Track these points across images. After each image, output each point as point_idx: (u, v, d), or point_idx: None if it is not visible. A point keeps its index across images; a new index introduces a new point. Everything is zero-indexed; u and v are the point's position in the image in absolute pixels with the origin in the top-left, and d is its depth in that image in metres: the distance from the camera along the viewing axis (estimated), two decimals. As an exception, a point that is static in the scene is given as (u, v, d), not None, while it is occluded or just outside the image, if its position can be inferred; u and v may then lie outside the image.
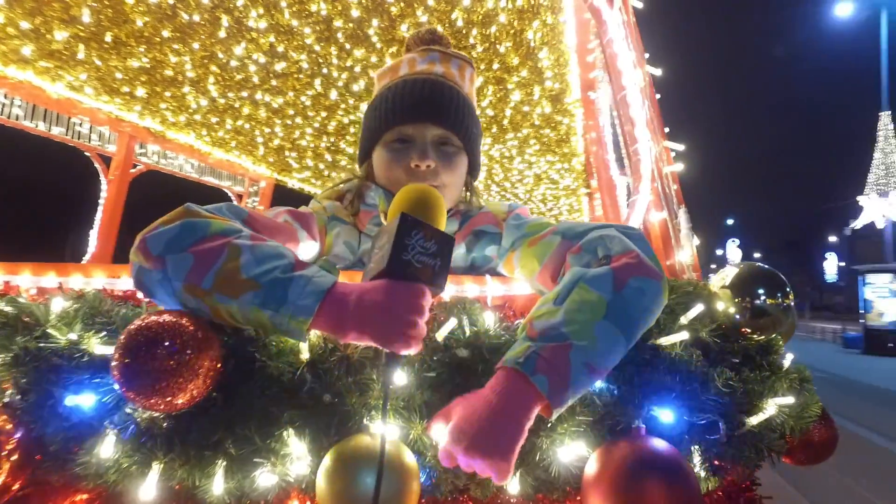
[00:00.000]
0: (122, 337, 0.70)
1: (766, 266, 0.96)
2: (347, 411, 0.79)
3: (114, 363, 0.69)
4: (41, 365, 0.78)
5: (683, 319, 0.91)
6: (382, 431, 0.71)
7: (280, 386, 0.79)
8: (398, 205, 0.82)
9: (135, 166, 4.05)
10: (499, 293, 0.99)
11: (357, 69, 3.52)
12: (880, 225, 24.00)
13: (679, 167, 1.78)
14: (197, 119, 3.89)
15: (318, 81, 3.64)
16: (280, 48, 3.19)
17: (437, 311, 0.89)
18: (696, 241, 1.87)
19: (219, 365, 0.74)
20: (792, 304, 0.93)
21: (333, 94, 3.83)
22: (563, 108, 3.62)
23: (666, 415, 0.84)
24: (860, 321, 18.12)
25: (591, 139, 2.84)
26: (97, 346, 0.79)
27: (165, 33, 2.93)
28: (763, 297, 0.92)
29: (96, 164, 3.82)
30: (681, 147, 1.79)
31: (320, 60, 3.37)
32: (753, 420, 0.91)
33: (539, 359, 0.72)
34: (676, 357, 0.87)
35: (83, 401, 0.77)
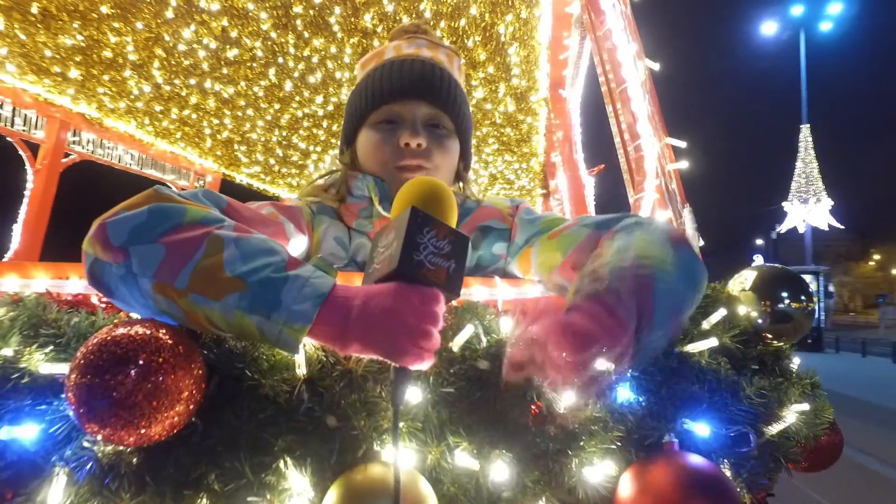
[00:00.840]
0: (82, 353, 0.56)
1: (788, 268, 0.92)
2: (354, 436, 0.67)
3: (70, 386, 0.55)
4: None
5: (706, 324, 0.86)
6: (395, 459, 0.61)
7: (274, 408, 0.67)
8: (405, 198, 0.72)
9: (67, 155, 3.70)
10: (510, 296, 0.91)
11: (315, 59, 3.36)
12: (801, 229, 25.76)
13: (683, 165, 1.76)
14: (139, 107, 3.61)
15: (272, 71, 3.45)
16: (233, 33, 2.99)
17: (448, 317, 0.79)
18: (701, 241, 1.86)
19: (202, 385, 0.61)
20: (814, 307, 0.89)
21: (288, 86, 3.65)
22: (528, 106, 3.59)
23: (697, 428, 0.78)
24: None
25: (558, 138, 2.81)
26: (42, 364, 0.64)
27: (104, 9, 2.67)
28: (787, 301, 0.88)
29: (21, 152, 3.45)
30: (683, 144, 1.77)
31: (276, 49, 3.19)
32: (773, 429, 0.87)
33: (621, 283, 0.65)
34: (705, 365, 0.81)
35: (24, 433, 0.62)
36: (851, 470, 5.60)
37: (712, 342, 0.81)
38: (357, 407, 0.70)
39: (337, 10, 2.76)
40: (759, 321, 0.90)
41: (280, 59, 3.31)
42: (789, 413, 0.89)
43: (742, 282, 0.93)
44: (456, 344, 0.75)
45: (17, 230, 3.41)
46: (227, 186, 5.00)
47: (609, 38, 1.62)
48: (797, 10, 28.90)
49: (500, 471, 0.70)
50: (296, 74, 3.50)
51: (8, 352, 0.65)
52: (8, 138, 3.39)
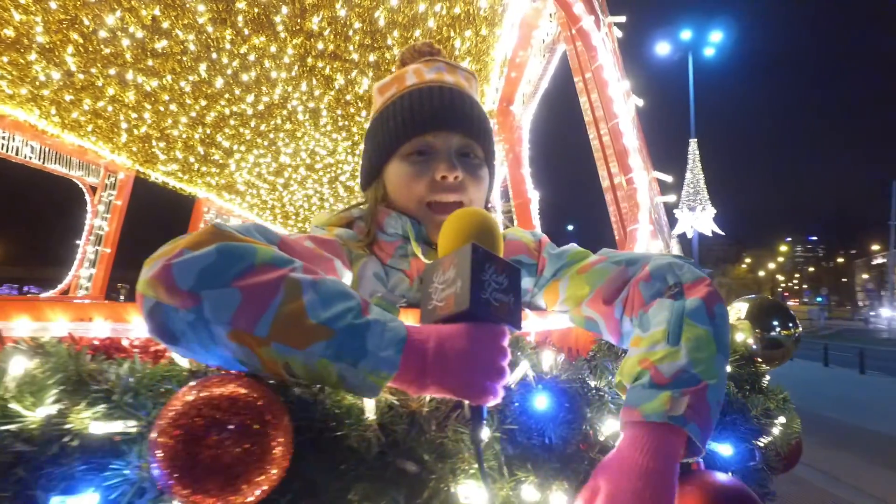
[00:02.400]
0: (176, 412, 0.51)
1: (776, 299, 1.03)
2: (433, 479, 0.67)
3: (161, 451, 0.50)
4: (0, 458, 0.54)
5: (717, 352, 0.94)
6: (491, 500, 0.62)
7: (349, 456, 0.64)
8: (457, 232, 0.71)
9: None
10: (540, 328, 0.93)
11: (251, 57, 3.19)
12: (690, 235, 28.17)
13: (671, 198, 1.86)
14: (45, 94, 3.23)
15: (203, 66, 3.24)
16: (165, 24, 2.77)
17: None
18: None
19: (292, 443, 0.58)
20: (801, 334, 1.01)
21: (219, 82, 3.44)
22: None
23: (716, 447, 0.85)
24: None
25: (504, 151, 2.89)
26: (91, 423, 0.58)
27: (12, -16, 2.38)
28: (778, 329, 0.99)
29: None
30: (669, 178, 1.88)
31: (211, 43, 3.00)
32: (761, 441, 0.97)
33: (686, 407, 0.68)
34: (722, 390, 0.89)
35: (80, 502, 0.55)
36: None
37: (727, 368, 0.89)
38: (429, 449, 0.69)
39: (284, 9, 2.65)
40: (754, 347, 1.00)
41: (214, 55, 3.11)
42: (775, 426, 0.99)
43: (737, 312, 1.02)
44: (513, 380, 0.76)
45: None
46: (141, 184, 4.61)
47: (600, 74, 1.70)
48: (686, 35, 31.60)
49: (560, 501, 0.73)
50: (229, 71, 3.31)
51: (50, 410, 0.57)
52: None
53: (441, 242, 0.73)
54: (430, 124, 0.96)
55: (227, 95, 3.66)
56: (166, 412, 0.51)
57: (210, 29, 2.85)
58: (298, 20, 2.75)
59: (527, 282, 1.02)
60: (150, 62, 3.07)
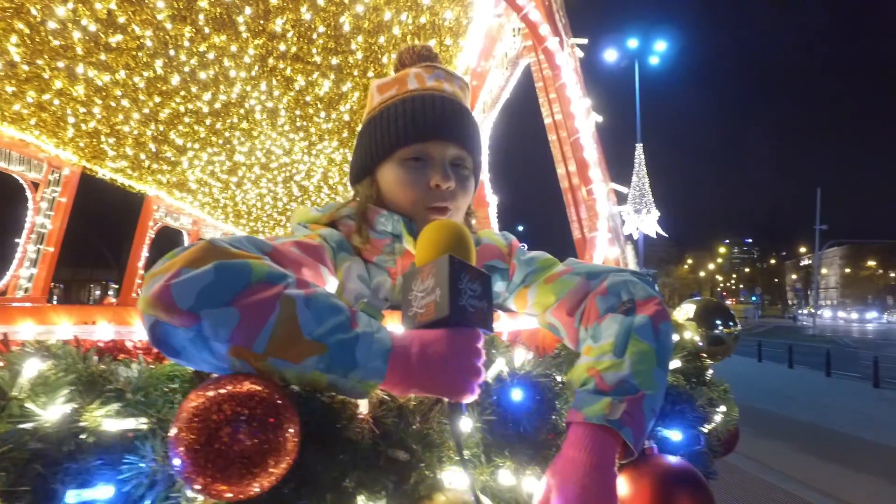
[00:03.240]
0: (197, 407, 0.55)
1: (719, 301, 1.15)
2: (421, 467, 0.74)
3: (183, 444, 0.54)
4: (18, 454, 0.57)
5: (667, 348, 1.05)
6: (472, 486, 0.69)
7: (344, 447, 0.70)
8: (433, 243, 0.78)
9: None
10: (512, 328, 1.01)
11: (211, 56, 3.15)
12: (636, 236, 29.25)
13: (626, 208, 1.97)
14: (-16, 87, 3.08)
15: (159, 63, 3.17)
16: (121, 18, 2.70)
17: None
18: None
19: (300, 437, 0.63)
20: (740, 331, 1.13)
21: (175, 79, 3.37)
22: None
23: (667, 434, 0.96)
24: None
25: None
26: (104, 420, 0.61)
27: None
28: (721, 328, 1.11)
29: None
30: (625, 189, 2.00)
31: (169, 40, 2.94)
32: (705, 428, 1.09)
33: (623, 412, 0.77)
34: (670, 382, 0.99)
35: (96, 494, 0.58)
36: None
37: (676, 364, 1.00)
38: (417, 439, 0.76)
39: (248, 10, 2.63)
40: (700, 344, 1.12)
41: (171, 52, 3.05)
42: (717, 414, 1.11)
43: (686, 312, 1.14)
44: (490, 376, 0.84)
45: None
46: (87, 180, 4.43)
47: (563, 91, 1.80)
48: (633, 43, 32.70)
49: (531, 484, 0.81)
50: (186, 69, 3.25)
51: (65, 409, 0.60)
52: None
53: (419, 252, 0.80)
54: (430, 133, 1.00)
55: (182, 93, 3.58)
56: (187, 407, 0.56)
57: (169, 26, 2.79)
58: (261, 21, 2.74)
59: (500, 285, 1.09)
60: (102, 56, 2.98)
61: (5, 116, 3.44)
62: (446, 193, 1.00)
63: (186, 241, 6.12)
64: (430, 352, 0.70)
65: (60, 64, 2.98)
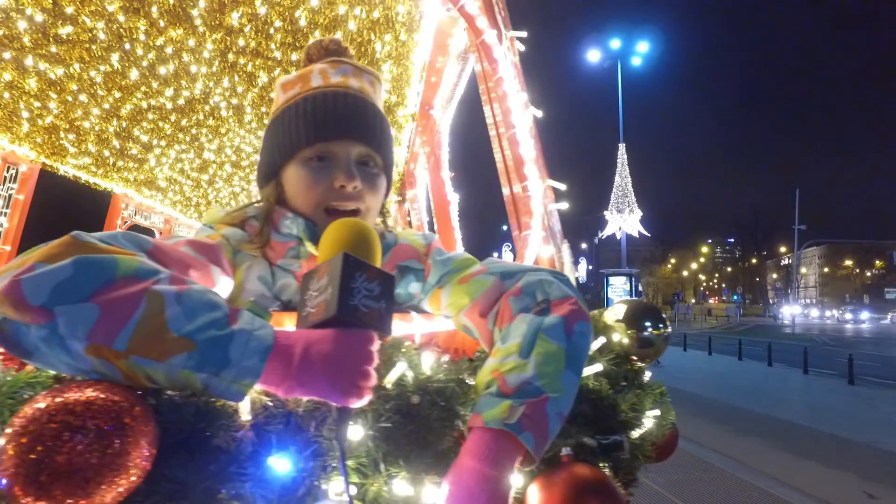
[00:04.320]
0: (25, 421, 0.51)
1: (650, 302, 1.12)
2: (302, 477, 0.69)
3: (9, 458, 0.50)
4: None
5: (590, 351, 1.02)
6: (347, 494, 0.65)
7: (220, 455, 0.66)
8: (333, 242, 0.75)
9: None
10: (425, 330, 0.97)
11: (169, 50, 3.07)
12: (619, 236, 29.59)
13: (564, 206, 1.96)
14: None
15: (115, 56, 3.08)
16: (69, 9, 2.62)
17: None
18: (578, 273, 2.06)
19: (156, 445, 0.59)
20: (670, 333, 1.10)
21: (134, 74, 3.29)
22: (394, 119, 3.67)
23: (587, 440, 0.93)
24: (605, 315, 22.21)
25: (417, 154, 2.94)
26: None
27: None
28: (650, 330, 1.08)
29: None
30: (563, 186, 1.98)
31: (122, 33, 2.86)
32: (636, 433, 1.06)
33: (522, 416, 0.73)
34: (591, 387, 0.96)
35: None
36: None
37: (598, 368, 0.97)
38: (302, 448, 0.72)
39: (202, 3, 2.57)
40: (631, 346, 1.09)
41: (127, 45, 2.97)
42: (648, 419, 1.08)
43: (616, 313, 1.11)
44: (389, 381, 0.80)
45: None
46: (48, 178, 4.31)
47: (500, 86, 1.77)
48: (615, 44, 33.03)
49: (432, 494, 0.77)
50: (144, 63, 3.16)
51: None
52: None
53: (321, 251, 0.77)
54: (332, 132, 0.97)
55: (143, 88, 3.49)
56: (15, 419, 0.52)
57: (122, 18, 2.71)
58: (217, 15, 2.68)
59: (415, 286, 1.06)
60: (52, 48, 2.89)
61: (-46, 110, 3.33)
62: (353, 193, 0.97)
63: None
64: (314, 352, 0.66)
65: (7, 55, 2.88)
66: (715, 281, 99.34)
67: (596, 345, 1.03)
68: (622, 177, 29.58)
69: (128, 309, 0.60)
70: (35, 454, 0.50)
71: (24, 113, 3.49)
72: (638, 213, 29.92)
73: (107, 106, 3.59)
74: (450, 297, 1.00)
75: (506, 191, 1.89)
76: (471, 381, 0.90)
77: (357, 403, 0.68)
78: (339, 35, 2.59)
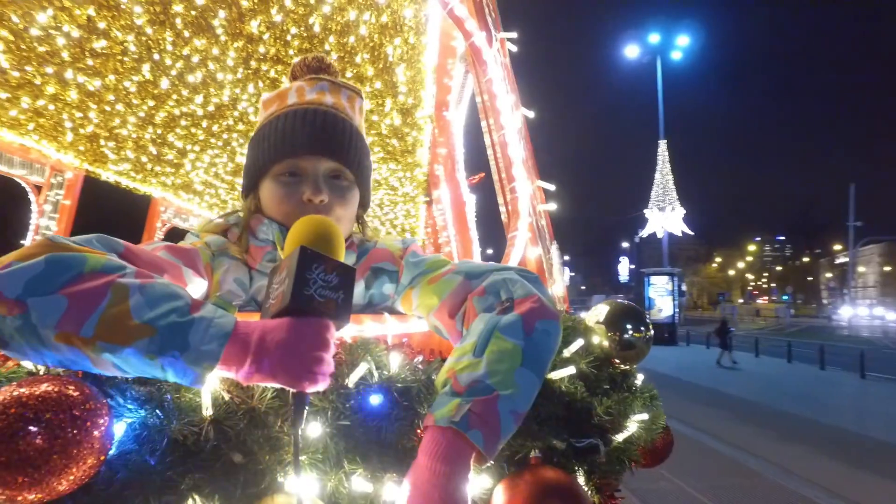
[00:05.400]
0: None
1: (632, 304, 1.10)
2: (260, 470, 0.72)
3: None
4: None
5: (566, 352, 1.00)
6: (298, 489, 0.67)
7: (182, 449, 0.69)
8: (295, 238, 0.78)
9: None
10: (398, 331, 0.99)
11: (195, 59, 3.19)
12: (660, 235, 28.83)
13: (552, 206, 1.94)
14: (-23, 93, 3.18)
15: (146, 67, 3.22)
16: (101, 24, 2.75)
17: (341, 354, 0.86)
18: (568, 274, 2.03)
19: (111, 436, 0.63)
20: (652, 335, 1.08)
21: (164, 83, 3.43)
22: (414, 121, 3.70)
23: (557, 443, 0.92)
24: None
25: (440, 155, 2.95)
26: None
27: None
28: (631, 332, 1.06)
29: None
30: (552, 187, 1.96)
31: (151, 45, 2.99)
32: (620, 437, 1.04)
33: (471, 414, 0.73)
34: (565, 389, 0.95)
35: None
36: (693, 447, 6.43)
37: (571, 370, 0.96)
38: (261, 442, 0.75)
39: (221, 13, 2.66)
40: (612, 349, 1.07)
41: (156, 56, 3.10)
42: (632, 423, 1.06)
43: (597, 314, 1.09)
44: (351, 380, 0.82)
45: None
46: (91, 183, 4.55)
47: (490, 87, 1.77)
48: (654, 38, 32.21)
49: (391, 492, 0.78)
50: (173, 72, 3.30)
51: None
52: None
53: (285, 249, 0.80)
54: (300, 149, 1.01)
55: (174, 96, 3.64)
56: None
57: (149, 31, 2.84)
58: (237, 24, 2.77)
59: (389, 288, 1.08)
60: (89, 62, 3.05)
61: (3, 122, 3.55)
62: (320, 207, 1.01)
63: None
64: (269, 338, 0.69)
65: (49, 70, 3.06)
66: (763, 280, 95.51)
67: (574, 346, 1.02)
68: (663, 174, 28.83)
69: (94, 299, 0.65)
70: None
71: (68, 123, 3.69)
72: (680, 211, 29.07)
73: (142, 114, 3.75)
74: (420, 298, 1.01)
75: (497, 188, 1.89)
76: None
77: (312, 388, 0.70)
78: (352, 39, 2.63)
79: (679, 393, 9.98)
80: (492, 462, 0.85)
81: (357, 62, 2.84)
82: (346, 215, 1.05)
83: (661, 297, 20.81)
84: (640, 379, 1.20)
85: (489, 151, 1.92)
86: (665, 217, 28.65)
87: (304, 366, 0.68)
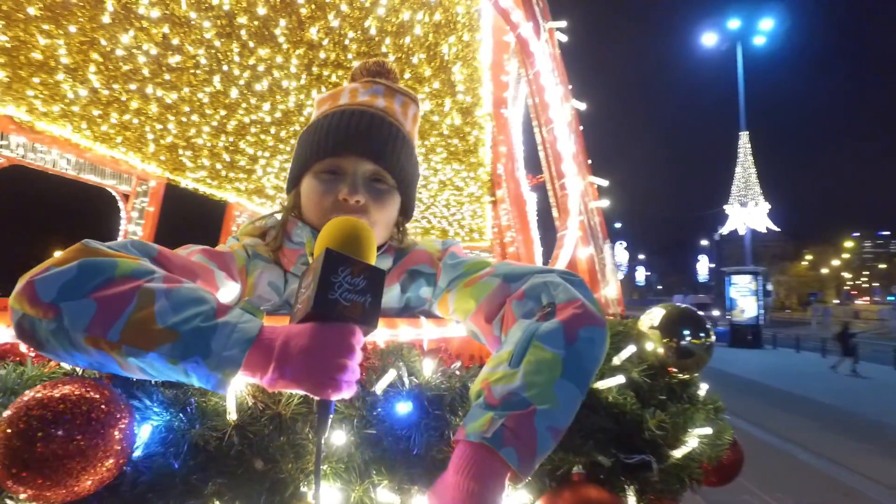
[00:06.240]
0: (7, 417, 0.57)
1: (690, 307, 1.00)
2: (282, 478, 0.71)
3: None
4: None
5: (616, 360, 0.93)
6: (317, 490, 0.65)
7: (205, 453, 0.69)
8: (324, 240, 0.76)
9: (-6, 161, 3.53)
10: (434, 336, 0.95)
11: (261, 68, 3.32)
12: (742, 232, 27.08)
13: (605, 203, 1.85)
14: (75, 110, 3.46)
15: (217, 78, 3.39)
16: (175, 41, 2.93)
17: (373, 359, 0.83)
18: (621, 275, 1.93)
19: (132, 438, 0.64)
20: (713, 342, 0.98)
21: (234, 93, 3.60)
22: (474, 120, 3.67)
23: (602, 459, 0.85)
24: (727, 317, 20.34)
25: (502, 153, 2.90)
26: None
27: (31, 10, 2.57)
28: (689, 338, 0.96)
29: (-57, 158, 3.28)
30: (605, 182, 1.86)
31: (220, 57, 3.14)
32: (678, 453, 0.95)
33: (505, 430, 0.68)
34: (613, 400, 0.88)
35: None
36: (781, 460, 5.97)
37: (620, 380, 0.88)
38: (285, 450, 0.74)
39: (282, 22, 2.75)
40: (667, 356, 0.98)
41: (225, 67, 3.25)
42: (692, 437, 0.97)
43: (651, 319, 1.01)
44: (379, 387, 0.79)
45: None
46: (172, 191, 4.86)
47: (537, 80, 1.69)
48: (734, 24, 30.27)
49: (417, 503, 0.75)
50: (241, 82, 3.45)
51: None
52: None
53: (315, 251, 0.78)
54: (341, 148, 1.00)
55: (244, 105, 3.81)
56: (3, 413, 0.58)
57: (217, 43, 2.98)
58: (298, 31, 2.84)
59: (426, 291, 1.04)
60: (166, 76, 3.24)
61: (96, 136, 3.85)
62: (356, 207, 0.99)
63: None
64: (292, 344, 0.67)
65: (133, 86, 3.28)
66: (864, 279, 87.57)
67: (625, 353, 0.94)
68: (745, 167, 27.05)
69: (121, 303, 0.66)
70: (12, 445, 0.56)
71: (150, 135, 3.96)
72: (764, 206, 27.13)
73: (215, 123, 3.95)
74: (456, 302, 0.97)
75: (549, 187, 1.80)
76: (474, 390, 0.86)
77: (336, 396, 0.68)
78: (407, 40, 2.63)
79: (765, 399, 9.31)
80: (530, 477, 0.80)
81: (414, 63, 2.85)
82: (382, 219, 1.02)
83: (744, 297, 19.54)
84: (703, 389, 1.09)
85: (539, 150, 1.85)
86: (747, 213, 26.88)
87: (327, 373, 0.66)
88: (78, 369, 0.73)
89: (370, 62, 1.16)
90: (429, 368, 0.85)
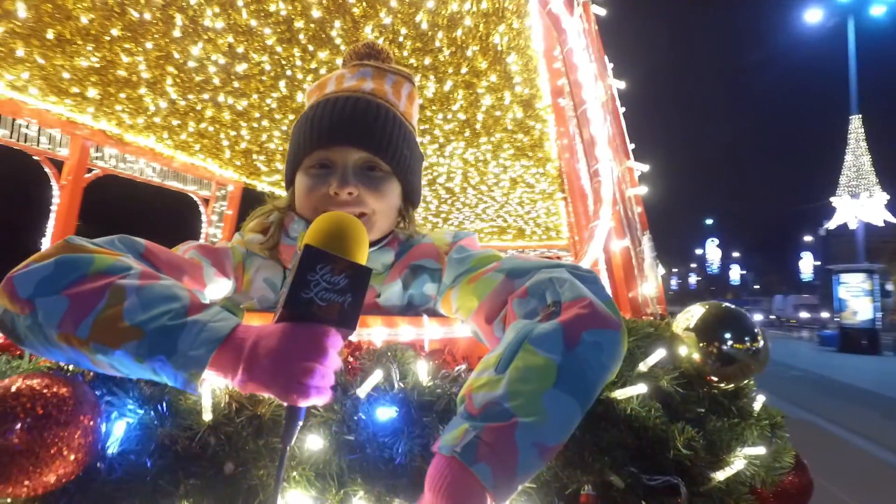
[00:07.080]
0: None
1: (733, 306, 0.86)
2: (253, 485, 0.67)
3: None
4: None
5: (643, 366, 0.81)
6: (275, 497, 0.61)
7: (176, 453, 0.67)
8: (307, 236, 0.72)
9: (90, 171, 3.86)
10: (437, 336, 0.88)
11: (322, 71, 3.39)
12: (853, 226, 24.51)
13: (643, 190, 1.67)
14: (156, 122, 3.73)
15: (282, 83, 3.51)
16: (240, 49, 3.05)
17: (365, 360, 0.78)
18: (662, 270, 1.76)
19: (96, 434, 0.63)
20: (761, 346, 0.83)
21: (299, 97, 3.70)
22: (535, 113, 3.53)
23: (617, 477, 0.74)
24: (835, 319, 18.49)
25: (562, 146, 2.77)
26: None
27: (115, 31, 2.77)
28: (730, 343, 0.82)
29: (46, 169, 3.62)
30: (645, 167, 1.69)
31: (283, 62, 3.24)
32: (720, 475, 0.82)
33: (480, 443, 0.60)
34: (633, 412, 0.77)
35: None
36: None
37: (641, 388, 0.77)
38: (261, 454, 0.70)
39: (337, 23, 2.78)
40: (705, 363, 0.84)
41: (288, 72, 3.35)
42: (738, 457, 0.83)
43: (688, 319, 0.87)
44: (363, 390, 0.73)
45: (46, 244, 3.58)
46: (250, 194, 5.12)
47: (570, 58, 1.56)
48: (847, -5, 27.41)
49: (404, 520, 0.69)
50: (305, 86, 3.54)
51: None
52: (34, 157, 3.57)
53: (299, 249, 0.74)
54: (327, 140, 0.95)
55: (310, 109, 3.92)
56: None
57: (279, 49, 3.07)
58: (353, 32, 2.87)
59: (430, 287, 0.97)
60: (235, 84, 3.40)
61: (176, 145, 4.12)
62: (350, 200, 0.94)
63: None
64: (262, 345, 0.64)
65: (206, 96, 3.47)
66: None
67: (653, 359, 0.82)
68: (856, 155, 24.42)
69: (92, 300, 0.65)
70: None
71: (225, 142, 4.18)
72: (881, 197, 24.33)
73: (284, 127, 4.10)
74: (458, 300, 0.89)
75: (584, 174, 1.65)
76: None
77: (304, 402, 0.63)
78: (459, 32, 2.58)
79: (884, 413, 8.34)
80: (531, 491, 0.71)
81: (469, 56, 2.78)
82: (381, 209, 0.96)
83: (856, 297, 17.66)
84: (759, 401, 0.94)
85: (574, 135, 1.71)
86: (860, 205, 24.27)
87: (294, 377, 0.62)
88: (63, 364, 0.74)
89: (359, 45, 1.10)
90: (423, 371, 0.78)
